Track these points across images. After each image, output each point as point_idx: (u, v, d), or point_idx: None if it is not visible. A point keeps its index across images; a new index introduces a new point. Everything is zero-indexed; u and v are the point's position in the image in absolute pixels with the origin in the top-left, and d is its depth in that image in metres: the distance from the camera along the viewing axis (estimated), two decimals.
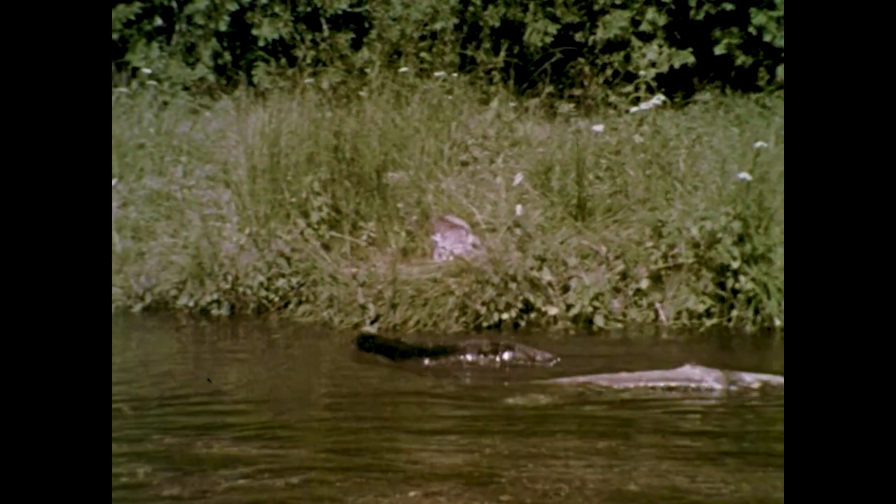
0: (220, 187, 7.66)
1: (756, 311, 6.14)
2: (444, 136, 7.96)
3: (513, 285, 6.28)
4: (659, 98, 7.61)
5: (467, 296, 6.32)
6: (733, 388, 4.91)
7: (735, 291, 6.19)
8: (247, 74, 10.32)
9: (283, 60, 9.93)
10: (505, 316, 6.26)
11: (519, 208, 6.78)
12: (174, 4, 10.69)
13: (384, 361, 5.62)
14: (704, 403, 4.76)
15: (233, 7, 10.58)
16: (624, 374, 5.05)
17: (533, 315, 6.32)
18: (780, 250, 6.10)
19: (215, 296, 6.78)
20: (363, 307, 6.42)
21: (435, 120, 8.04)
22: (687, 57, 9.76)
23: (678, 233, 6.34)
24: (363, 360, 5.66)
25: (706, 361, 5.10)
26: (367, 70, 9.24)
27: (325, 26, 10.52)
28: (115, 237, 7.22)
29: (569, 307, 6.31)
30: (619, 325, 6.31)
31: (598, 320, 6.27)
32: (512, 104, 8.64)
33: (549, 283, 6.36)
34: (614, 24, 9.81)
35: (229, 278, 6.75)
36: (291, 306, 6.74)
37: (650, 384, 4.97)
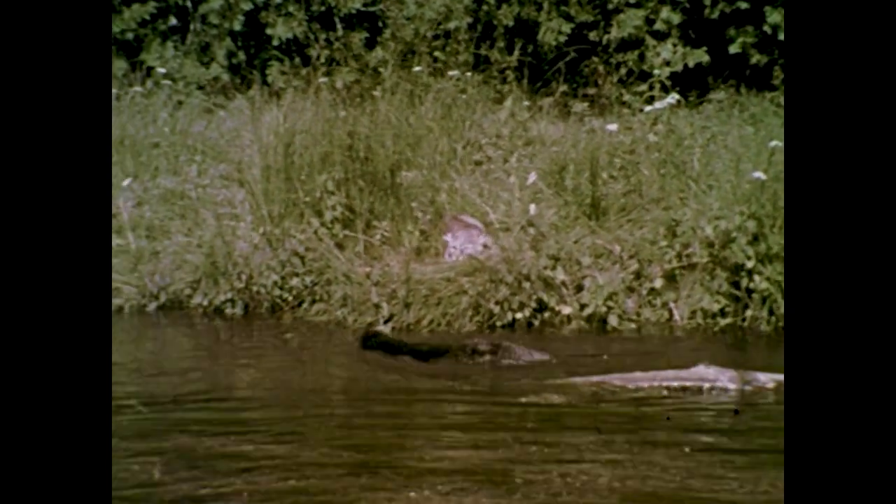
0: (235, 186, 7.67)
1: (770, 311, 6.11)
2: (458, 135, 7.96)
3: (526, 284, 6.27)
4: (673, 97, 7.59)
5: (481, 295, 6.31)
6: (748, 388, 4.89)
7: (749, 291, 6.16)
8: (261, 74, 10.34)
9: (297, 60, 9.95)
10: (518, 315, 6.25)
11: (532, 207, 6.77)
12: (189, 4, 10.71)
13: (387, 360, 5.63)
14: (719, 403, 4.75)
15: (247, 6, 10.59)
16: (638, 374, 5.04)
17: (547, 314, 6.31)
18: None
19: (229, 295, 6.79)
20: (377, 306, 6.42)
21: (448, 119, 8.04)
22: (701, 56, 9.73)
23: (692, 232, 6.33)
24: (375, 359, 5.67)
25: (720, 361, 5.09)
26: (381, 69, 9.24)
27: (339, 25, 10.52)
28: (130, 236, 7.25)
29: (583, 307, 6.30)
30: (633, 325, 6.30)
31: (612, 320, 6.25)
32: (526, 103, 8.63)
33: (563, 283, 6.35)
34: (629, 22, 9.78)
35: (243, 277, 6.76)
36: (305, 305, 6.75)
37: (664, 384, 4.96)
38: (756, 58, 9.70)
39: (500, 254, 6.41)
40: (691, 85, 9.38)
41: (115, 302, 6.97)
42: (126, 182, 7.71)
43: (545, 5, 9.99)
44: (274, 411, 4.77)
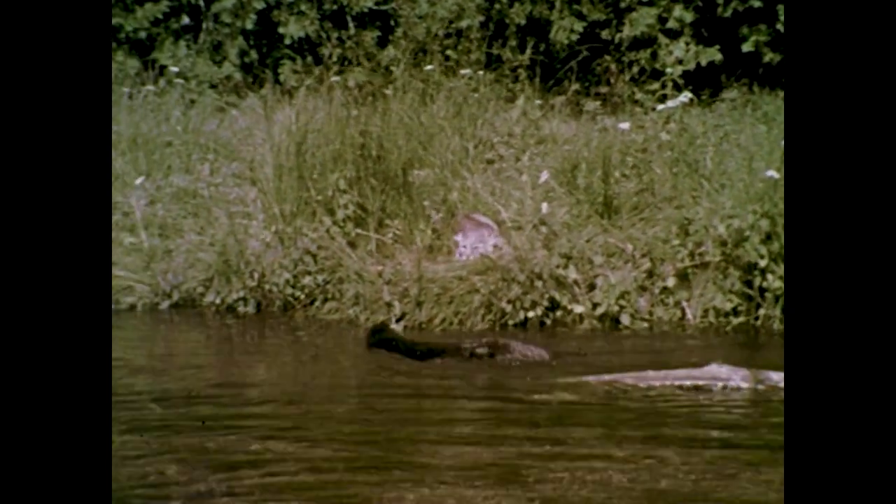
0: (247, 185, 7.69)
1: (783, 310, 6.10)
2: (470, 134, 7.96)
3: (538, 283, 6.27)
4: (686, 95, 7.58)
5: (493, 294, 6.31)
6: (760, 387, 4.88)
7: (762, 290, 6.15)
8: (273, 73, 10.34)
9: (310, 58, 9.96)
10: (531, 314, 6.25)
11: (545, 206, 6.77)
12: (201, 3, 10.73)
13: (397, 358, 5.64)
14: (731, 402, 4.74)
15: (259, 5, 10.60)
16: (650, 373, 5.03)
17: (559, 313, 6.31)
18: None
19: (242, 293, 6.81)
20: (389, 305, 6.42)
21: (460, 118, 8.05)
22: (714, 54, 9.70)
23: (705, 231, 6.31)
24: (386, 357, 5.67)
25: (733, 360, 5.08)
26: (393, 68, 9.24)
27: (351, 24, 10.53)
28: (143, 234, 7.27)
29: (595, 305, 6.29)
30: (646, 324, 6.29)
31: (625, 319, 6.25)
32: (538, 102, 8.63)
33: (575, 282, 6.35)
34: (641, 21, 9.76)
35: (256, 276, 6.77)
36: (317, 304, 6.75)
37: (677, 383, 4.96)
38: (769, 56, 9.66)
39: (513, 252, 6.41)
40: (704, 83, 9.36)
41: (128, 300, 7.00)
42: (139, 180, 7.74)
43: (557, 4, 9.97)
44: (286, 409, 4.78)
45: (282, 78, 10.28)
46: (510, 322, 6.26)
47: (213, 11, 10.68)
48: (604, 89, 9.56)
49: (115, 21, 10.42)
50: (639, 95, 8.52)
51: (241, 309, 6.80)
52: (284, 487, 3.63)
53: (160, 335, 6.53)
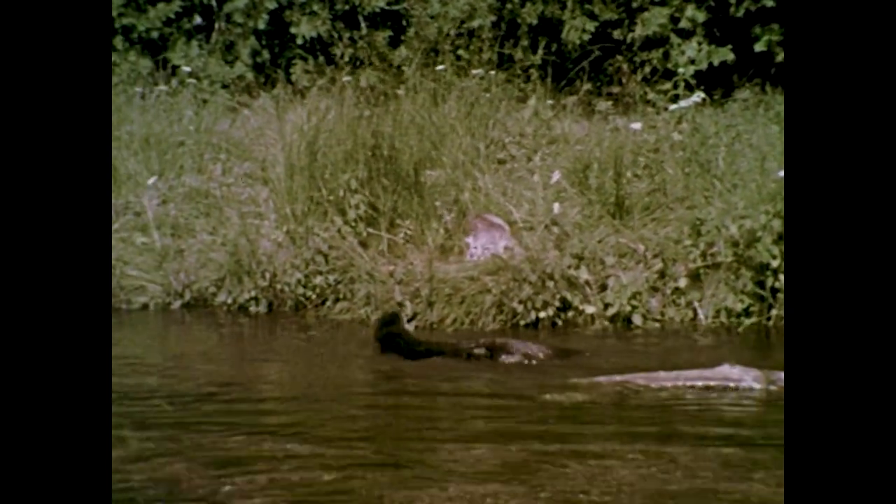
0: (259, 185, 7.71)
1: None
2: (482, 133, 7.96)
3: (550, 284, 6.26)
4: (698, 95, 7.57)
5: (504, 294, 6.31)
6: (772, 387, 4.86)
7: (774, 290, 6.13)
8: (285, 72, 10.35)
9: (322, 58, 9.97)
10: (542, 314, 6.25)
11: (556, 206, 6.77)
12: (213, 3, 10.75)
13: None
14: (743, 403, 4.73)
15: (271, 5, 10.61)
16: (662, 374, 5.02)
17: (570, 314, 6.31)
18: None
19: (253, 293, 6.82)
20: (400, 305, 6.42)
21: (472, 118, 8.04)
22: (726, 54, 9.67)
23: (717, 231, 6.30)
24: (397, 358, 5.68)
25: (745, 361, 5.06)
26: (405, 68, 9.25)
27: (363, 24, 10.54)
28: (155, 234, 7.29)
29: (606, 306, 6.29)
30: (657, 325, 6.28)
31: (636, 319, 6.24)
32: (549, 102, 8.62)
33: (587, 282, 6.34)
34: (653, 21, 9.73)
35: (267, 275, 6.78)
36: (329, 303, 6.76)
37: (689, 383, 4.95)
38: (782, 56, 9.63)
39: (524, 253, 6.41)
40: (716, 83, 9.34)
41: (140, 300, 7.03)
42: (151, 180, 7.76)
43: (569, 4, 9.95)
44: (297, 409, 4.78)
45: (294, 78, 10.29)
46: (521, 322, 6.26)
47: (226, 11, 10.70)
48: (616, 89, 9.54)
49: (127, 21, 10.46)
50: (651, 95, 8.51)
51: (252, 309, 6.81)
52: (295, 486, 3.63)
53: (172, 335, 6.55)
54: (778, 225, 6.07)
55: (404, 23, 10.45)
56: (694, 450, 4.01)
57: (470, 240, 6.76)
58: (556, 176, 7.17)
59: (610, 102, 9.11)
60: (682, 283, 6.34)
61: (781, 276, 6.04)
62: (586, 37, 9.88)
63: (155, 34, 10.60)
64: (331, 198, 7.04)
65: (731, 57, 9.68)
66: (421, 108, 7.97)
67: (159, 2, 10.65)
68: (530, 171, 7.57)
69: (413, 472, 3.78)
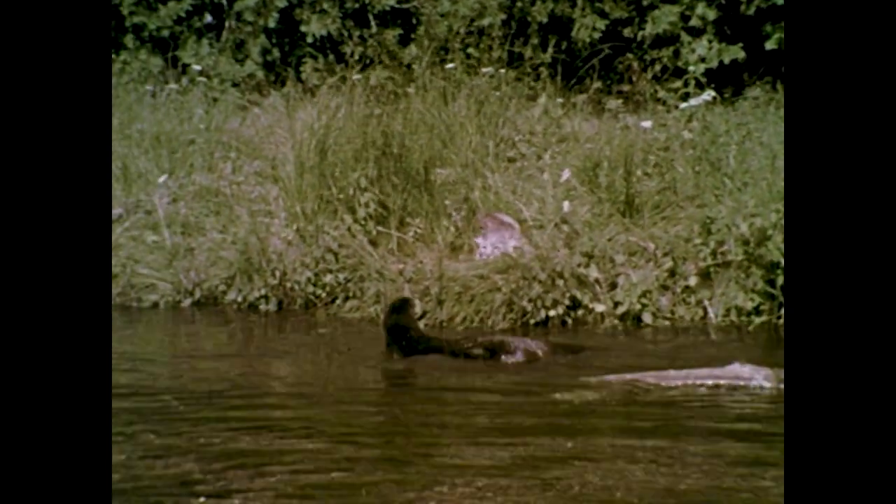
0: (269, 183, 7.72)
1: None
2: (492, 132, 7.96)
3: (560, 282, 6.26)
4: (708, 94, 7.55)
5: (514, 292, 6.30)
6: (783, 386, 4.85)
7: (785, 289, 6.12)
8: (295, 71, 10.36)
9: (332, 57, 9.98)
10: (552, 313, 6.25)
11: (566, 205, 6.76)
12: (224, 1, 10.77)
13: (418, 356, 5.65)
14: (754, 402, 4.71)
15: (281, 4, 10.62)
16: (672, 372, 5.01)
17: (580, 312, 6.30)
18: None
19: (263, 291, 6.83)
20: None
21: (482, 116, 8.04)
22: (737, 52, 9.64)
23: (727, 230, 6.28)
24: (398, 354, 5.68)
25: (755, 359, 5.05)
26: (415, 66, 9.24)
27: (373, 23, 10.54)
28: (165, 232, 7.31)
29: (616, 304, 6.28)
30: (668, 323, 6.27)
31: (646, 317, 6.24)
32: (559, 100, 8.61)
33: (597, 280, 6.33)
34: (663, 19, 9.71)
35: (277, 274, 6.79)
36: (338, 302, 6.77)
37: (699, 382, 4.94)
38: None
39: (534, 251, 6.40)
40: (727, 81, 9.32)
41: (151, 298, 7.05)
42: (162, 178, 7.78)
43: (579, 2, 9.93)
44: (306, 406, 4.79)
45: (304, 76, 10.30)
46: (531, 321, 6.25)
47: (236, 10, 10.72)
48: (626, 87, 9.53)
49: (138, 19, 10.49)
50: (661, 94, 8.48)
51: (262, 307, 6.83)
52: (305, 485, 3.63)
53: (182, 332, 6.56)
54: None
55: (414, 21, 10.45)
56: (704, 448, 4.00)
57: (480, 238, 6.76)
58: (566, 174, 7.16)
59: (620, 101, 9.10)
60: (693, 281, 6.33)
61: None
62: (596, 35, 9.87)
63: (165, 32, 10.62)
64: (341, 196, 7.04)
65: (741, 55, 9.65)
66: (431, 107, 7.97)
67: (170, 0, 10.67)
68: (540, 169, 7.56)
69: (422, 468, 3.78)
